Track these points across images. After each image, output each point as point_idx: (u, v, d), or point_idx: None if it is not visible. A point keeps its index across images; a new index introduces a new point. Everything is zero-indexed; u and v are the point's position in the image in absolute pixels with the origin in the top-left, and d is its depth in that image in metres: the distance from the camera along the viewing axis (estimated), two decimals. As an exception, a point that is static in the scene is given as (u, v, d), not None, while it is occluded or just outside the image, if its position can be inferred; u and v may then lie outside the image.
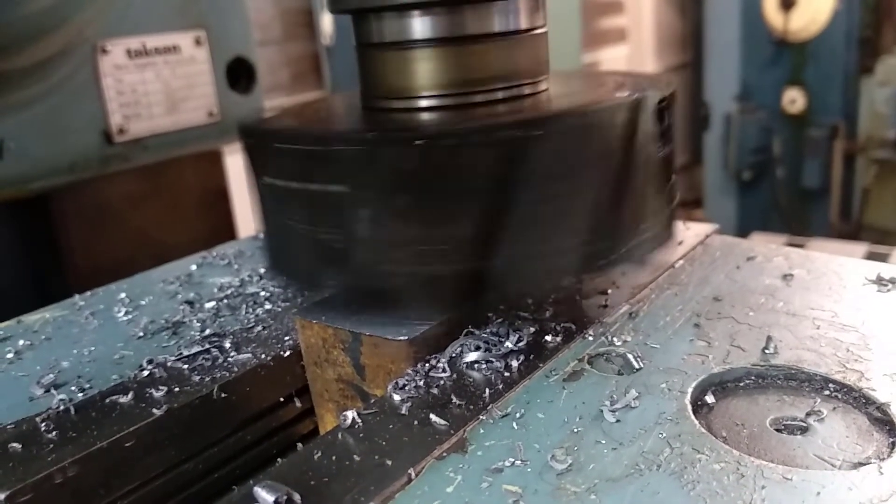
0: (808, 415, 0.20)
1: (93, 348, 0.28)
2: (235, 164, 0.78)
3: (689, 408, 0.19)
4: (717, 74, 4.03)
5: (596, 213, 0.23)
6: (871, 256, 0.77)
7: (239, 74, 0.67)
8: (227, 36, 0.65)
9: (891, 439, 0.19)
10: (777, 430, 0.20)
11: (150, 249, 0.66)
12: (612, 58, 5.14)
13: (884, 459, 0.18)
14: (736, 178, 4.00)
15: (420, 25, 0.25)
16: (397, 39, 0.25)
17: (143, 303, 0.33)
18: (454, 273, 0.21)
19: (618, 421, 0.20)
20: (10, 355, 0.27)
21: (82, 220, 0.60)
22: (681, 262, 0.29)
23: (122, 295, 0.35)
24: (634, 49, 5.29)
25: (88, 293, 0.38)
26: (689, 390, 0.20)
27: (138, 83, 0.58)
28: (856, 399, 0.20)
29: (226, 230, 0.73)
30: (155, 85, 0.59)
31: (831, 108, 3.53)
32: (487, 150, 0.21)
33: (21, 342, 0.29)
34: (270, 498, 0.19)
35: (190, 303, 0.32)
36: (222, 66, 0.65)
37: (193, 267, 0.38)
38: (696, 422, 0.19)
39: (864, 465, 0.19)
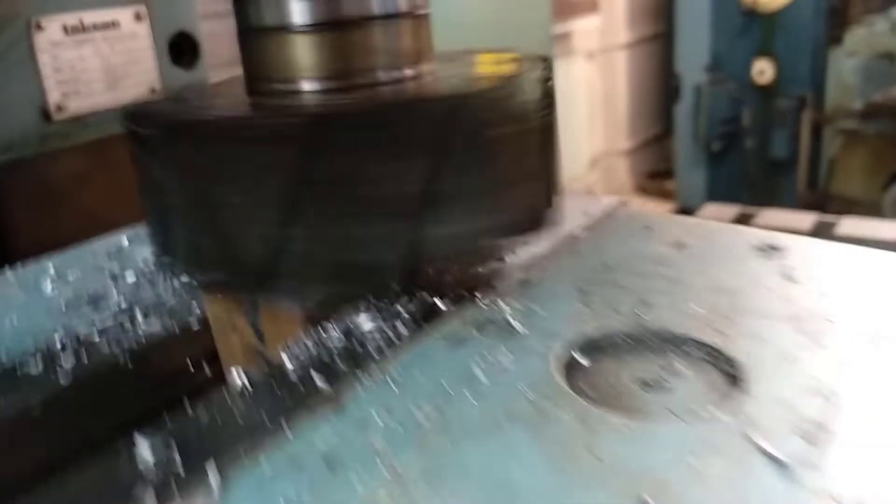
0: (667, 372, 0.21)
1: (15, 321, 0.29)
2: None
3: (560, 368, 0.21)
4: (687, 45, 4.05)
5: (470, 192, 0.24)
6: (819, 226, 0.80)
7: (183, 49, 0.67)
8: (169, 10, 0.65)
9: (734, 391, 0.21)
10: (638, 387, 0.22)
11: (96, 227, 0.67)
12: (584, 28, 5.12)
13: (719, 408, 0.20)
14: (706, 149, 4.04)
15: (298, 9, 0.25)
16: (275, 24, 0.26)
17: (70, 277, 0.34)
18: (331, 259, 0.23)
19: (490, 382, 0.21)
20: None
21: (24, 200, 0.60)
22: (583, 232, 0.30)
23: (52, 269, 0.36)
24: (606, 19, 5.27)
25: (20, 267, 0.39)
26: (562, 352, 0.21)
27: (76, 60, 0.58)
28: (714, 357, 0.21)
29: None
30: (94, 61, 0.60)
31: (800, 79, 3.56)
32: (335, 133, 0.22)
33: None
34: (147, 442, 0.20)
35: (114, 277, 0.33)
36: (164, 41, 0.65)
37: (125, 241, 0.38)
38: (562, 381, 0.21)
39: (703, 415, 0.20)
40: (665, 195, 4.96)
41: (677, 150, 4.32)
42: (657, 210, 4.75)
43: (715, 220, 0.81)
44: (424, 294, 0.25)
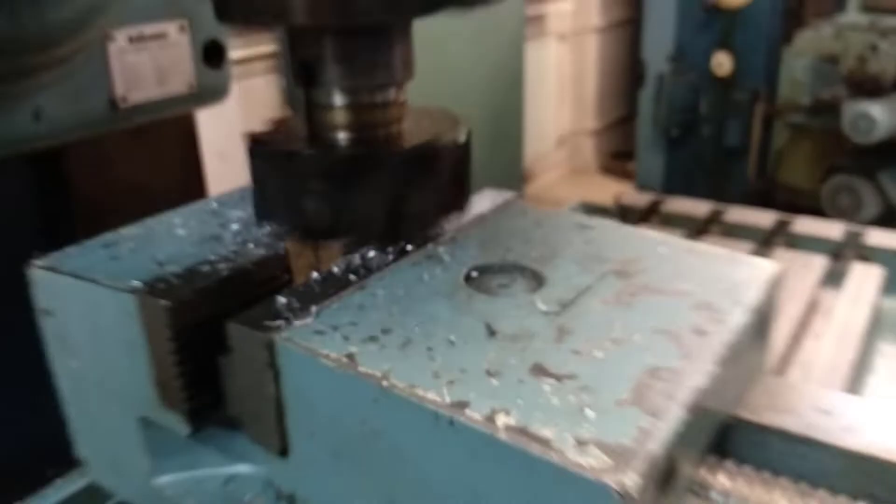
0: (511, 280, 0.37)
1: (170, 250, 0.44)
2: (205, 124, 0.97)
3: (462, 277, 0.37)
4: (653, 35, 4.21)
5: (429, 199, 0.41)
6: (778, 225, 0.97)
7: (212, 53, 0.84)
8: (203, 22, 0.82)
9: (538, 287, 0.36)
10: (496, 286, 0.38)
11: (140, 193, 0.85)
12: (558, 11, 5.26)
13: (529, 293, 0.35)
14: (665, 134, 4.22)
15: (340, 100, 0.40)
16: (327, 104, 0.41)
17: (192, 225, 0.49)
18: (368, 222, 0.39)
19: (430, 281, 0.38)
20: (124, 250, 0.44)
21: (90, 168, 0.78)
22: (488, 213, 0.47)
23: (176, 220, 0.51)
24: (579, 3, 5.41)
25: (148, 220, 0.54)
26: (466, 271, 0.38)
27: (136, 63, 0.75)
28: (535, 275, 0.37)
29: (196, 178, 0.92)
30: (148, 63, 0.77)
31: (755, 73, 3.75)
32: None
33: (123, 245, 0.45)
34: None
35: (222, 226, 0.49)
36: (199, 47, 0.82)
37: (214, 205, 0.54)
38: (462, 282, 0.37)
39: (520, 296, 0.36)
40: (627, 175, 5.16)
41: (639, 134, 4.49)
42: (619, 189, 4.96)
43: (681, 210, 0.99)
44: (401, 242, 0.42)
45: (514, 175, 4.15)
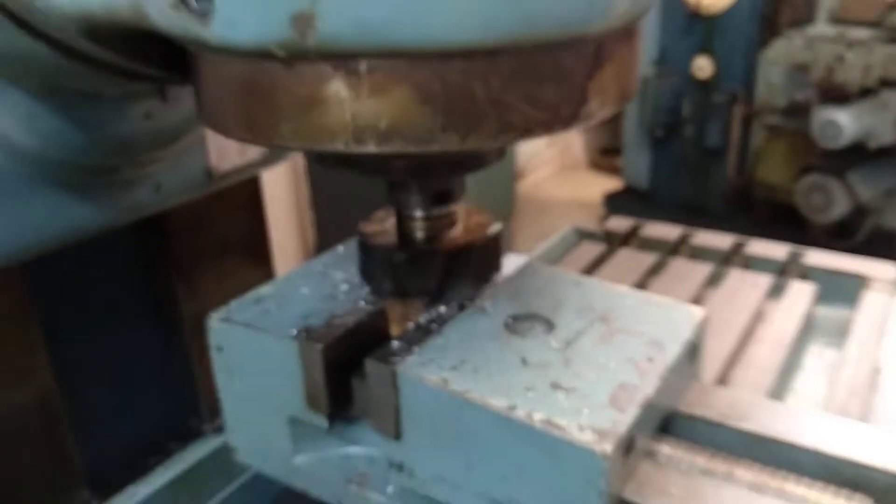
0: (536, 323, 0.58)
1: (305, 306, 0.64)
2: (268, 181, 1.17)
3: (502, 324, 0.57)
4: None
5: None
6: (735, 247, 1.17)
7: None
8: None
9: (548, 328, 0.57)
10: (525, 330, 0.59)
11: (227, 243, 1.07)
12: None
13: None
14: (650, 134, 4.43)
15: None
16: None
17: (311, 285, 0.69)
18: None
19: (479, 330, 0.58)
20: (271, 306, 0.64)
21: (186, 226, 0.99)
22: (514, 276, 0.67)
23: (298, 281, 0.71)
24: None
25: (273, 281, 0.74)
26: (503, 319, 0.58)
27: (224, 139, 0.97)
28: (547, 322, 0.59)
29: (262, 225, 1.13)
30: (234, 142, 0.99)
31: (734, 77, 3.96)
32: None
33: (269, 302, 0.65)
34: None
35: (333, 286, 0.68)
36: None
37: (320, 266, 0.74)
38: (502, 327, 0.57)
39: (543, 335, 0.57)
40: (614, 171, 5.37)
41: (625, 134, 4.70)
42: (607, 184, 5.16)
43: (654, 235, 1.19)
44: (459, 301, 0.63)
45: (507, 174, 4.35)
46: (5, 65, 0.64)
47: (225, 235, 1.08)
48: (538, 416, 0.50)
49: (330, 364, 0.57)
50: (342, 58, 0.38)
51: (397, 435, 0.56)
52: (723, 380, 0.87)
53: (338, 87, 0.39)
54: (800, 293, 1.06)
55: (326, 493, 0.63)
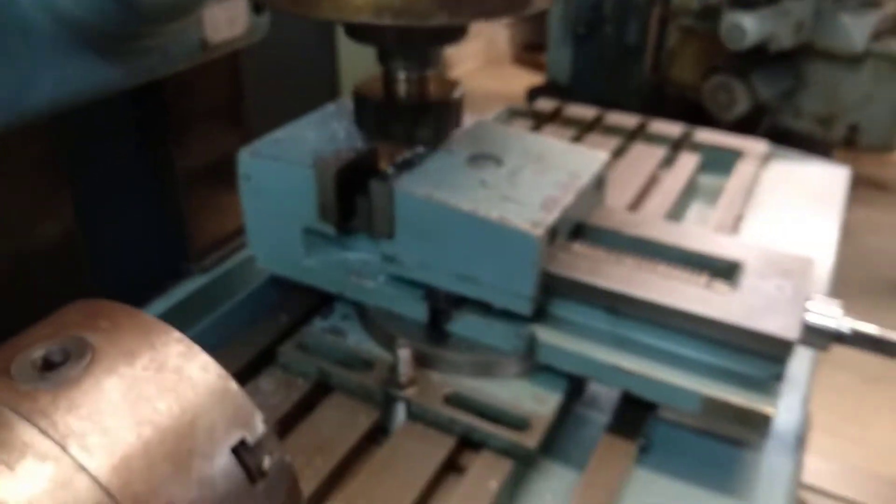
0: (486, 161, 0.80)
1: (313, 145, 0.85)
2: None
3: (465, 159, 0.78)
4: (564, -63, 4.52)
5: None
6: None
7: (257, 5, 1.20)
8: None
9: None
10: (482, 163, 0.81)
11: (214, 103, 1.23)
12: None
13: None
14: (573, 32, 4.61)
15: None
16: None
17: (314, 131, 0.89)
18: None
19: (449, 164, 0.79)
20: (287, 145, 0.84)
21: (181, 91, 1.16)
22: (472, 129, 0.89)
23: (304, 128, 0.90)
24: None
25: (282, 128, 0.93)
26: (466, 156, 0.79)
27: (216, 14, 1.12)
28: (498, 159, 0.81)
29: (239, 96, 1.30)
30: (223, 15, 1.14)
31: (654, -22, 4.13)
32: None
33: (284, 143, 0.88)
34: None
35: (333, 132, 0.89)
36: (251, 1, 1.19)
37: (317, 118, 0.93)
38: (465, 161, 0.79)
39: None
40: (538, 67, 5.55)
41: (549, 30, 4.87)
42: (531, 79, 5.35)
43: (574, 115, 1.42)
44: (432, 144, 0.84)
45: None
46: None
47: (210, 102, 1.25)
48: (494, 214, 0.72)
49: (339, 184, 0.78)
50: (376, -44, 0.58)
51: (391, 235, 0.78)
52: (623, 222, 1.13)
53: (371, -23, 0.58)
54: (686, 162, 1.31)
55: (332, 285, 0.86)
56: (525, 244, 0.71)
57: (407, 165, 0.79)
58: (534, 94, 5.08)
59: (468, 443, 0.74)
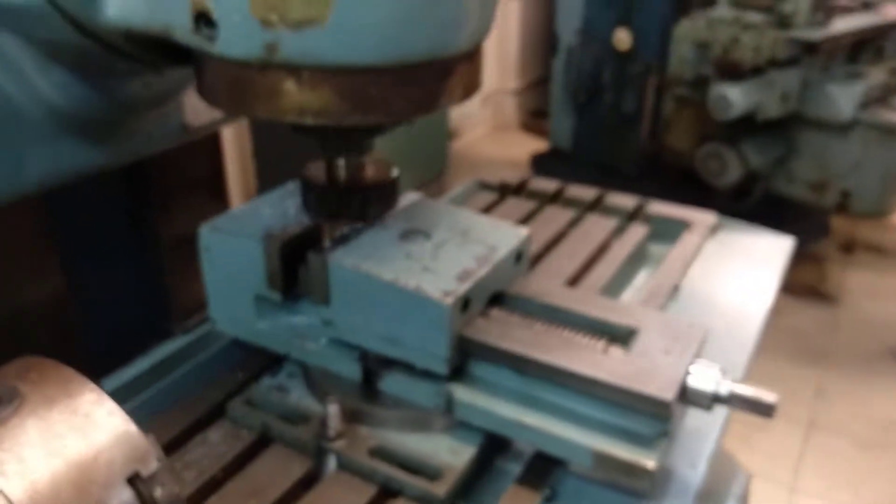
0: (415, 235, 0.89)
1: (266, 221, 0.96)
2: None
3: (398, 235, 0.89)
4: (564, 11, 4.73)
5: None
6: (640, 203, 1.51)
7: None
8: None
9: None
10: (412, 238, 0.90)
11: (191, 183, 1.35)
12: None
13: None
14: (573, 99, 4.78)
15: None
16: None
17: (269, 208, 1.00)
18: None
19: (383, 239, 0.88)
20: (244, 221, 0.95)
21: (163, 167, 1.28)
22: (408, 206, 0.98)
23: (260, 205, 1.02)
24: (505, -25, 5.82)
25: (241, 206, 1.06)
26: (398, 231, 0.88)
27: (195, 100, 1.25)
28: (426, 234, 0.90)
29: (220, 173, 1.43)
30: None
31: (650, 49, 4.31)
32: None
33: (242, 219, 0.95)
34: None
35: (284, 209, 1.00)
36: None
37: (275, 198, 1.04)
38: (397, 237, 0.88)
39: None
40: (543, 132, 5.71)
41: (552, 98, 5.04)
42: (536, 145, 5.50)
43: (535, 188, 1.53)
44: (370, 221, 0.95)
45: (440, 133, 4.66)
46: (56, 50, 0.92)
47: (192, 176, 1.38)
48: (412, 284, 0.82)
49: (284, 256, 0.89)
50: (293, 69, 0.69)
51: (326, 301, 0.88)
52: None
53: (289, 85, 0.69)
54: (635, 232, 1.41)
55: (279, 346, 0.96)
56: (438, 311, 0.81)
57: (343, 240, 0.90)
58: (537, 159, 5.22)
59: (388, 491, 0.82)
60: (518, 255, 0.94)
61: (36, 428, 0.46)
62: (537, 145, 5.58)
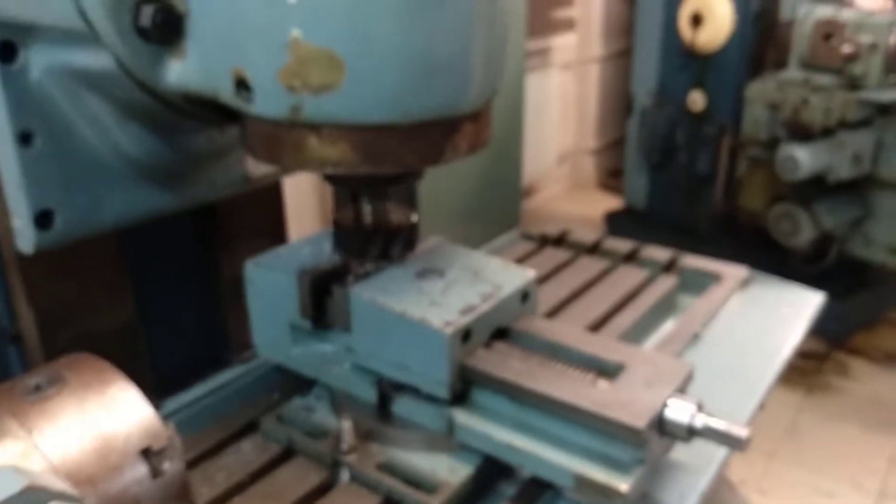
0: (431, 273, 0.98)
1: (304, 259, 1.08)
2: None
3: (415, 273, 0.99)
4: (640, 73, 4.83)
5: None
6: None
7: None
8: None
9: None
10: (427, 276, 0.99)
11: (254, 226, 1.50)
12: (561, 44, 5.83)
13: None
14: (647, 160, 4.82)
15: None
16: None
17: (308, 248, 1.13)
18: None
19: (402, 275, 0.99)
20: (284, 258, 1.08)
21: (228, 213, 1.43)
22: (426, 247, 1.09)
23: (301, 245, 1.15)
24: (582, 36, 5.99)
25: (284, 245, 1.19)
26: (416, 270, 0.99)
27: (259, 153, 1.41)
28: (441, 272, 0.99)
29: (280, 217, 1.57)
30: (265, 152, 1.43)
31: (724, 110, 4.34)
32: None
33: (282, 257, 1.10)
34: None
35: (320, 249, 1.12)
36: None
37: (315, 239, 1.17)
38: (414, 275, 0.99)
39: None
40: (620, 192, 5.75)
41: (627, 158, 5.10)
42: (613, 204, 5.55)
43: (576, 238, 1.62)
44: (392, 260, 1.05)
45: (513, 191, 4.79)
46: (131, 108, 1.08)
47: (255, 221, 1.53)
48: (418, 315, 0.92)
49: (314, 289, 1.01)
50: (314, 126, 0.82)
51: (349, 330, 0.99)
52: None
53: (311, 140, 0.82)
54: (664, 282, 1.47)
55: (310, 371, 1.07)
56: (439, 340, 0.91)
57: (365, 276, 1.01)
58: (610, 218, 5.26)
59: (391, 502, 0.91)
60: (524, 295, 1.03)
61: (72, 405, 0.58)
62: (613, 204, 5.62)
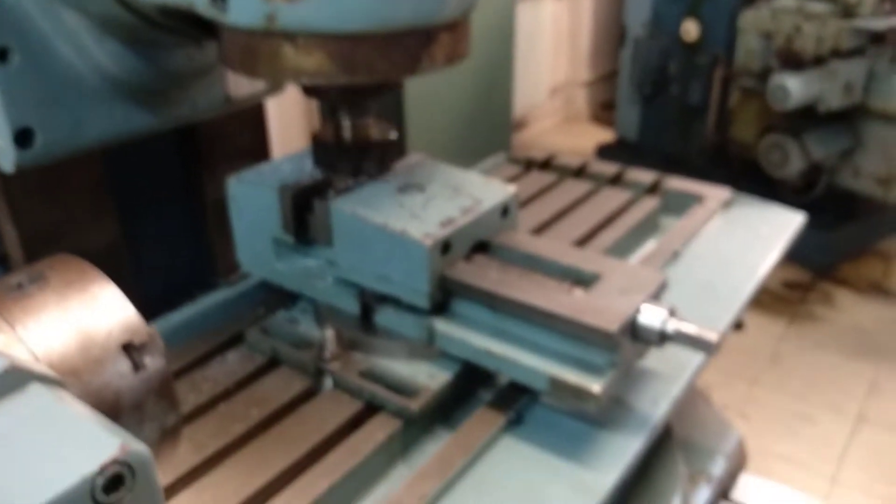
0: (412, 188, 0.99)
1: (284, 175, 1.10)
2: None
3: (396, 188, 1.00)
4: (634, 2, 4.74)
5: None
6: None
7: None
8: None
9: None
10: (408, 190, 1.00)
11: (233, 148, 1.50)
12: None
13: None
14: (640, 91, 4.78)
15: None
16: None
17: (289, 165, 1.14)
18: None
19: (384, 190, 1.00)
20: (266, 174, 1.09)
21: (212, 136, 1.43)
22: (408, 162, 1.11)
23: (282, 163, 1.16)
24: (576, -33, 5.84)
25: (267, 162, 1.20)
26: (397, 185, 1.01)
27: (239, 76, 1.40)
28: (421, 187, 1.00)
29: (264, 139, 1.57)
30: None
31: (717, 40, 4.28)
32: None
33: (264, 173, 1.11)
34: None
35: (301, 166, 1.13)
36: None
37: (295, 157, 1.18)
38: (396, 189, 1.01)
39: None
40: (613, 125, 5.72)
41: (619, 90, 5.06)
42: (605, 136, 5.53)
43: (563, 163, 1.62)
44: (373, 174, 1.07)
45: (503, 123, 4.76)
46: (109, 24, 1.07)
47: (239, 144, 1.53)
48: (399, 227, 0.94)
49: (296, 204, 1.02)
50: (289, 35, 0.82)
51: (330, 244, 1.00)
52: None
53: (287, 49, 0.82)
54: (646, 203, 1.48)
55: (294, 285, 1.09)
56: (419, 251, 0.92)
57: (346, 190, 1.02)
58: (602, 150, 5.25)
59: (372, 406, 0.94)
60: (504, 210, 1.04)
61: (54, 301, 0.60)
62: (606, 137, 5.59)
